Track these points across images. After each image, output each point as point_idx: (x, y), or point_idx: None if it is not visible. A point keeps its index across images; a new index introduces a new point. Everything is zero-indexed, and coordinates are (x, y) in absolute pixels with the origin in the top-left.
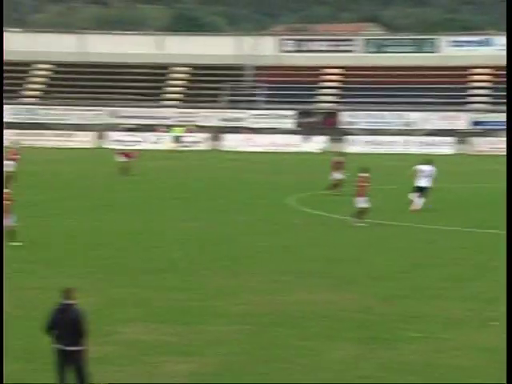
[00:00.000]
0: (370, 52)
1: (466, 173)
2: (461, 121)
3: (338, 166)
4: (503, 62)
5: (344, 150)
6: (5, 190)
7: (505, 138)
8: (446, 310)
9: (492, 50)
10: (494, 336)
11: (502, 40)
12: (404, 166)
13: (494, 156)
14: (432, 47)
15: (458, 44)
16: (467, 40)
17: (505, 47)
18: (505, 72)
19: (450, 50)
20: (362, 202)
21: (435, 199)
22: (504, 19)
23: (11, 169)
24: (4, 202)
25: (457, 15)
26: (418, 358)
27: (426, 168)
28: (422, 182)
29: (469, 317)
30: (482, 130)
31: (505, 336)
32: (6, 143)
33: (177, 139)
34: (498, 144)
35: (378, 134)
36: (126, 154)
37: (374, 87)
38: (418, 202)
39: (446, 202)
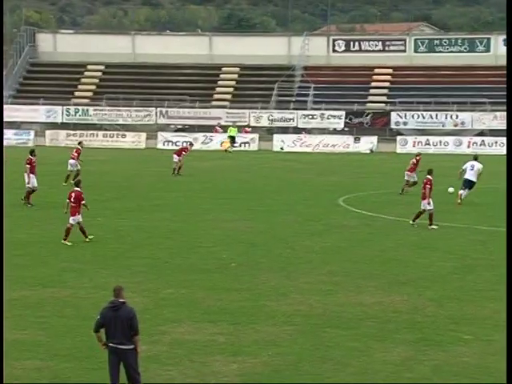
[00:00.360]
0: (421, 52)
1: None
2: None
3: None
4: None
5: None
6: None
7: None
8: (497, 312)
9: None
10: None
11: None
12: (455, 167)
13: None
14: (485, 46)
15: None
16: None
17: None
18: None
19: (503, 49)
20: (427, 205)
21: (488, 200)
22: None
23: (73, 168)
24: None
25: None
26: (471, 361)
27: (474, 164)
28: (470, 176)
29: None
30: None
31: None
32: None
33: (232, 139)
34: None
35: (428, 135)
36: (177, 153)
37: (424, 87)
38: (463, 193)
39: (497, 203)
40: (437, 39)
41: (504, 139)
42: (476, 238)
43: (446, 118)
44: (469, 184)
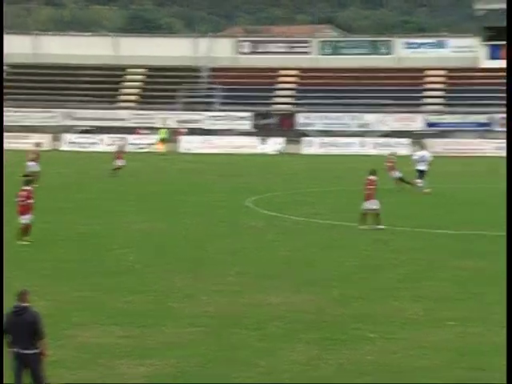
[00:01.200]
0: (325, 54)
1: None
2: (416, 122)
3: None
4: (457, 63)
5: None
6: (26, 188)
7: (459, 139)
8: (401, 311)
9: (446, 51)
10: (449, 335)
11: (456, 42)
12: (359, 168)
13: (448, 157)
14: (387, 49)
15: (412, 46)
16: (422, 42)
17: (458, 49)
18: (458, 74)
19: (404, 52)
20: (370, 205)
21: (392, 200)
22: (457, 21)
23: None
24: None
25: (412, 17)
26: (375, 359)
27: (423, 153)
28: (421, 166)
29: (424, 317)
30: (437, 132)
31: (460, 335)
32: None
33: (163, 140)
34: (452, 145)
35: (333, 136)
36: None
37: (329, 89)
38: (423, 183)
39: (400, 203)
40: (341, 41)
41: (407, 140)
42: (380, 238)
43: (351, 119)
44: (422, 173)
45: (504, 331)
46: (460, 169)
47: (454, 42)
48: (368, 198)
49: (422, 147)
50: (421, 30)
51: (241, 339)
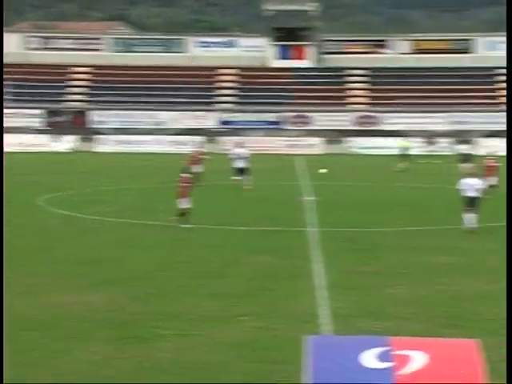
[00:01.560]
0: (118, 51)
1: (221, 171)
2: (209, 120)
3: (197, 160)
4: (248, 62)
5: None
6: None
7: (251, 137)
8: (196, 307)
9: (237, 51)
10: (242, 331)
11: (247, 41)
12: (154, 166)
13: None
14: (180, 47)
15: (204, 45)
16: (213, 41)
17: (249, 49)
18: (249, 73)
19: (197, 51)
20: (184, 203)
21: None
22: (248, 21)
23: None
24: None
25: (203, 16)
26: (170, 356)
27: (241, 151)
28: (240, 164)
29: (219, 313)
30: (230, 130)
31: (253, 330)
32: None
33: None
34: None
35: (128, 134)
36: None
37: (123, 86)
38: (245, 180)
39: (199, 200)
40: (134, 39)
41: (200, 138)
42: (178, 236)
43: (146, 117)
44: (242, 171)
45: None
46: (254, 166)
47: (244, 41)
48: (182, 196)
49: (237, 145)
50: (212, 29)
51: (31, 341)
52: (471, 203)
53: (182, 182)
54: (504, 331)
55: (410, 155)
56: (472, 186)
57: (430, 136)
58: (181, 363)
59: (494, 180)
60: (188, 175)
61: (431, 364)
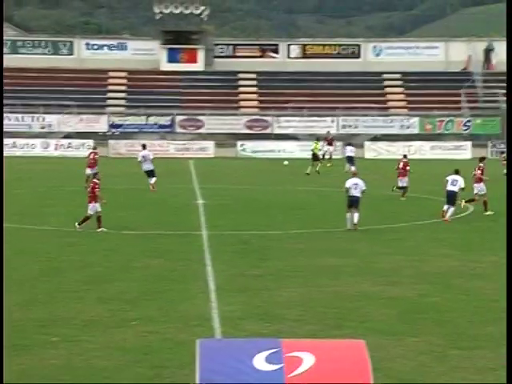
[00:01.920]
0: (4, 53)
1: (112, 175)
2: (100, 123)
3: (93, 163)
4: (138, 66)
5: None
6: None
7: (142, 141)
8: (85, 312)
9: (127, 54)
10: (134, 335)
11: (137, 44)
12: (44, 169)
13: (132, 158)
14: (68, 50)
15: (94, 47)
16: (103, 44)
17: (139, 52)
18: (140, 76)
19: (86, 53)
20: (95, 208)
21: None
22: (139, 24)
23: None
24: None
25: (92, 18)
26: (60, 363)
27: (146, 153)
28: (148, 166)
29: (109, 318)
30: (120, 133)
31: (145, 334)
32: None
33: None
34: (135, 146)
35: (16, 137)
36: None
37: (9, 89)
38: (152, 181)
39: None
40: (20, 41)
41: (91, 141)
42: (65, 241)
43: (33, 120)
44: (151, 172)
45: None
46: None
47: (134, 44)
48: (94, 200)
49: (144, 147)
50: (101, 32)
51: None
52: (354, 203)
53: (94, 186)
54: (393, 330)
55: (323, 158)
56: (355, 186)
57: (330, 139)
58: (71, 370)
59: (405, 181)
60: (98, 180)
61: (320, 364)
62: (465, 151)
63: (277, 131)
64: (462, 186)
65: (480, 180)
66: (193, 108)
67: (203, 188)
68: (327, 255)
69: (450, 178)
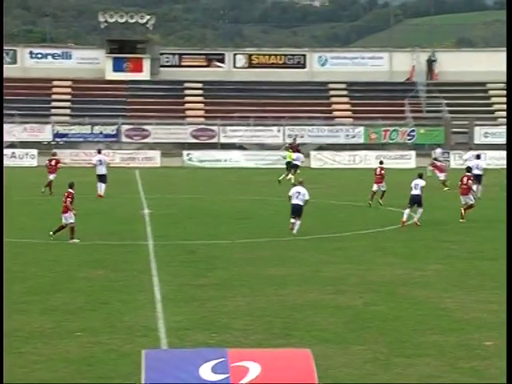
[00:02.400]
0: None
1: (57, 185)
2: (44, 133)
3: (53, 170)
4: (82, 75)
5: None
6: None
7: (87, 150)
8: (28, 324)
9: (72, 63)
10: (78, 346)
11: (82, 53)
12: None
13: (77, 168)
14: (12, 58)
15: (38, 56)
16: (47, 52)
17: (84, 61)
18: (85, 85)
19: (30, 62)
20: (69, 218)
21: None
22: (83, 33)
23: None
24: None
25: (35, 27)
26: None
27: (101, 157)
28: (102, 170)
29: (52, 329)
30: (64, 142)
31: (89, 345)
32: None
33: None
34: (81, 156)
35: None
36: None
37: None
38: (102, 187)
39: (40, 214)
40: None
41: (35, 151)
42: (9, 251)
43: None
44: (102, 177)
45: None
46: (92, 179)
47: (79, 53)
48: (65, 210)
49: (99, 152)
50: (45, 40)
51: None
52: (296, 211)
53: (68, 196)
54: (339, 339)
55: (297, 166)
56: (297, 194)
57: (296, 146)
58: (14, 382)
59: (382, 186)
60: (72, 190)
61: (266, 374)
62: (409, 160)
63: (223, 140)
64: (422, 185)
65: (468, 190)
66: (139, 117)
67: (149, 198)
68: (274, 264)
69: (413, 184)
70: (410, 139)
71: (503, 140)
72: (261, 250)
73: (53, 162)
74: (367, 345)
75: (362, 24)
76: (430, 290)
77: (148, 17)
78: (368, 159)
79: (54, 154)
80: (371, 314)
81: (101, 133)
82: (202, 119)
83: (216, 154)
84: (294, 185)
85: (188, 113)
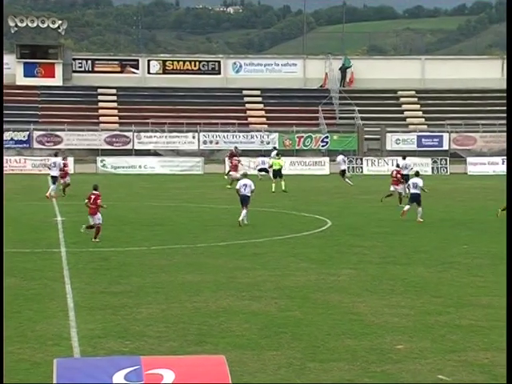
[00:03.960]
0: None
1: None
2: None
3: None
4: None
5: None
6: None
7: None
8: None
9: None
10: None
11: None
12: None
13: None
14: None
15: None
16: None
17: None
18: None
19: None
20: (96, 220)
21: None
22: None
23: None
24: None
25: None
26: None
27: (56, 160)
28: (54, 172)
29: None
30: None
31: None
32: None
33: None
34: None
35: None
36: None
37: None
38: (53, 188)
39: None
40: None
41: None
42: None
43: None
44: (54, 179)
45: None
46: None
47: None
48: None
49: (55, 155)
50: None
51: None
52: (244, 201)
53: (96, 198)
54: (253, 345)
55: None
56: (244, 186)
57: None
58: None
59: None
60: (97, 191)
61: (180, 381)
62: (323, 167)
63: (137, 147)
64: (421, 185)
65: (399, 182)
66: (51, 123)
67: (62, 205)
68: (188, 271)
69: (411, 182)
70: (323, 145)
71: (414, 146)
72: (175, 257)
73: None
74: (281, 350)
75: (276, 31)
76: (344, 295)
77: (60, 22)
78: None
79: (65, 158)
80: (286, 319)
81: (11, 139)
82: (115, 125)
83: (130, 161)
84: (243, 177)
85: (102, 119)
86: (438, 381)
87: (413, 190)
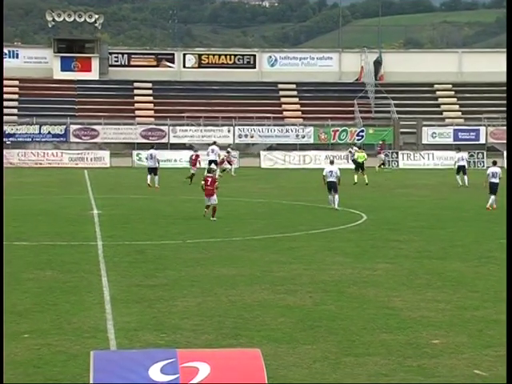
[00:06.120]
0: None
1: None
2: None
3: None
4: (29, 74)
5: None
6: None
7: (35, 150)
8: None
9: (18, 62)
10: (25, 348)
11: (29, 52)
12: None
13: (25, 168)
14: None
15: None
16: None
17: (31, 60)
18: (32, 85)
19: None
20: (213, 200)
21: None
22: (31, 32)
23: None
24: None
25: None
26: None
27: (152, 152)
28: (150, 164)
29: None
30: (11, 142)
31: (37, 347)
32: None
33: None
34: (29, 156)
35: None
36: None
37: None
38: (156, 179)
39: None
40: None
41: None
42: None
43: None
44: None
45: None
46: (41, 180)
47: (26, 52)
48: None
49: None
50: None
51: None
52: (332, 187)
53: (213, 180)
54: (288, 339)
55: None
56: (332, 172)
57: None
58: None
59: None
60: (212, 174)
61: (216, 374)
62: None
63: (173, 141)
64: (501, 175)
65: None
66: (87, 117)
67: (99, 198)
68: (224, 264)
69: (490, 172)
70: (359, 139)
71: (450, 140)
72: (211, 250)
73: (193, 157)
74: (317, 344)
75: (312, 25)
76: (379, 289)
77: (96, 16)
78: (318, 159)
79: (197, 151)
80: (321, 313)
81: (49, 133)
82: (151, 119)
83: (166, 154)
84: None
85: (137, 113)
86: (474, 376)
87: (492, 180)
